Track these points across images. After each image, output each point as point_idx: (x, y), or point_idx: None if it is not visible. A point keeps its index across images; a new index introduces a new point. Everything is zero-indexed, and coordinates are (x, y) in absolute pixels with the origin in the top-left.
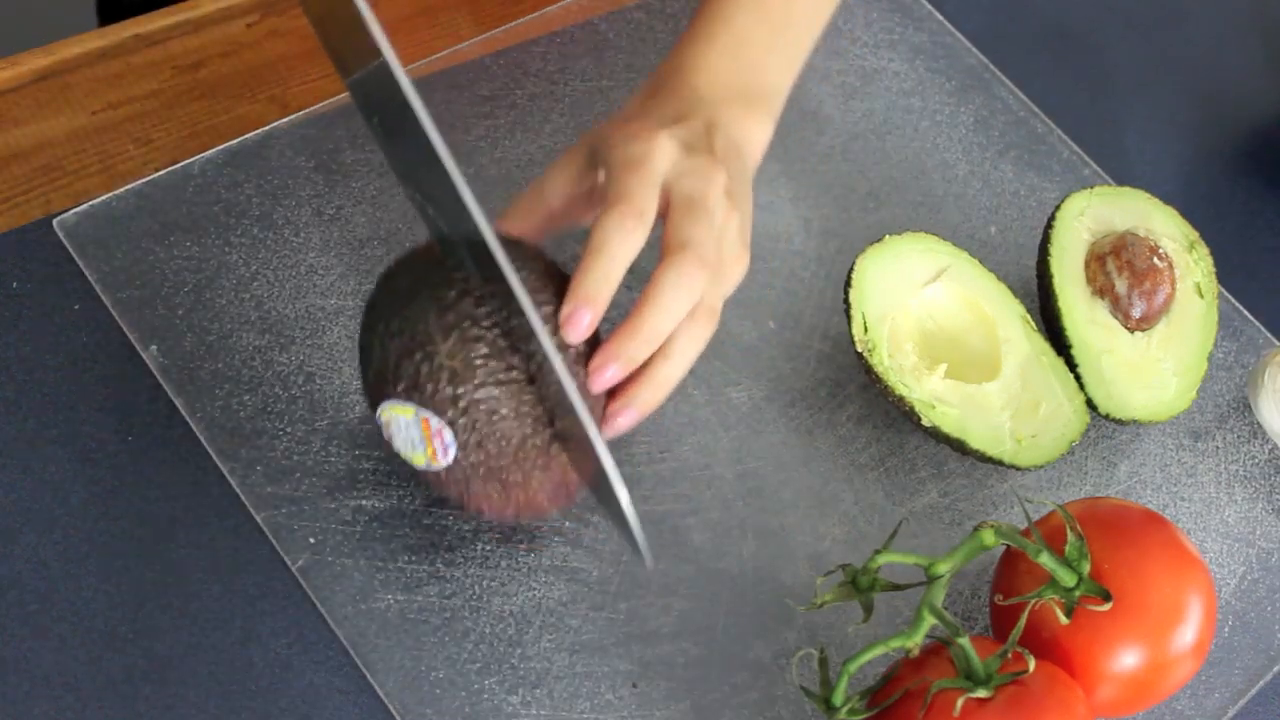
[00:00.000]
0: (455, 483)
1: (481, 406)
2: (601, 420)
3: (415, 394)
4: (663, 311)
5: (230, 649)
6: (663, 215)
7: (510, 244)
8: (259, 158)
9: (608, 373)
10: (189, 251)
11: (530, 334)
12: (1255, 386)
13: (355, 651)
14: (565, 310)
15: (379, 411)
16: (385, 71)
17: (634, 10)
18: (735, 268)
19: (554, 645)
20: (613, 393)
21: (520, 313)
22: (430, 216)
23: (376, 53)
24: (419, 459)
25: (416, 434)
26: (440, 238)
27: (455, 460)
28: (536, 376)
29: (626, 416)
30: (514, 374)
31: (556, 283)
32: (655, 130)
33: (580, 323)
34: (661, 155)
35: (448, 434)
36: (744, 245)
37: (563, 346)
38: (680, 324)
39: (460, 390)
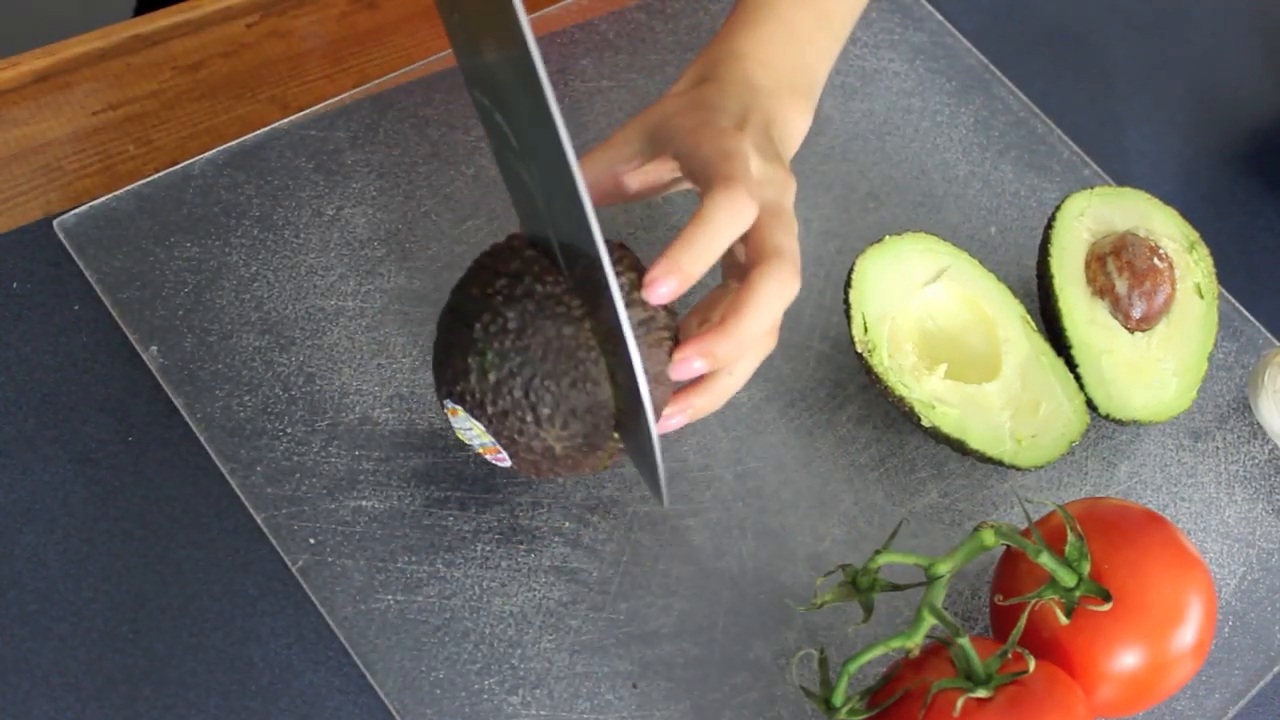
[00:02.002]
0: (518, 466)
1: (535, 444)
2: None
3: (477, 410)
4: (760, 315)
5: (230, 649)
6: None
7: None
8: (259, 158)
9: (694, 364)
10: (189, 252)
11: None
12: (1255, 386)
13: (355, 651)
14: (655, 271)
15: (445, 403)
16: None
17: (634, 10)
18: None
19: (554, 645)
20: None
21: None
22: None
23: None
24: (479, 449)
25: (476, 439)
26: (527, 215)
27: (511, 465)
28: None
29: (677, 420)
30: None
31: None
32: (735, 131)
33: (665, 287)
34: (749, 155)
35: (504, 457)
36: None
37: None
38: (757, 271)
39: (514, 421)
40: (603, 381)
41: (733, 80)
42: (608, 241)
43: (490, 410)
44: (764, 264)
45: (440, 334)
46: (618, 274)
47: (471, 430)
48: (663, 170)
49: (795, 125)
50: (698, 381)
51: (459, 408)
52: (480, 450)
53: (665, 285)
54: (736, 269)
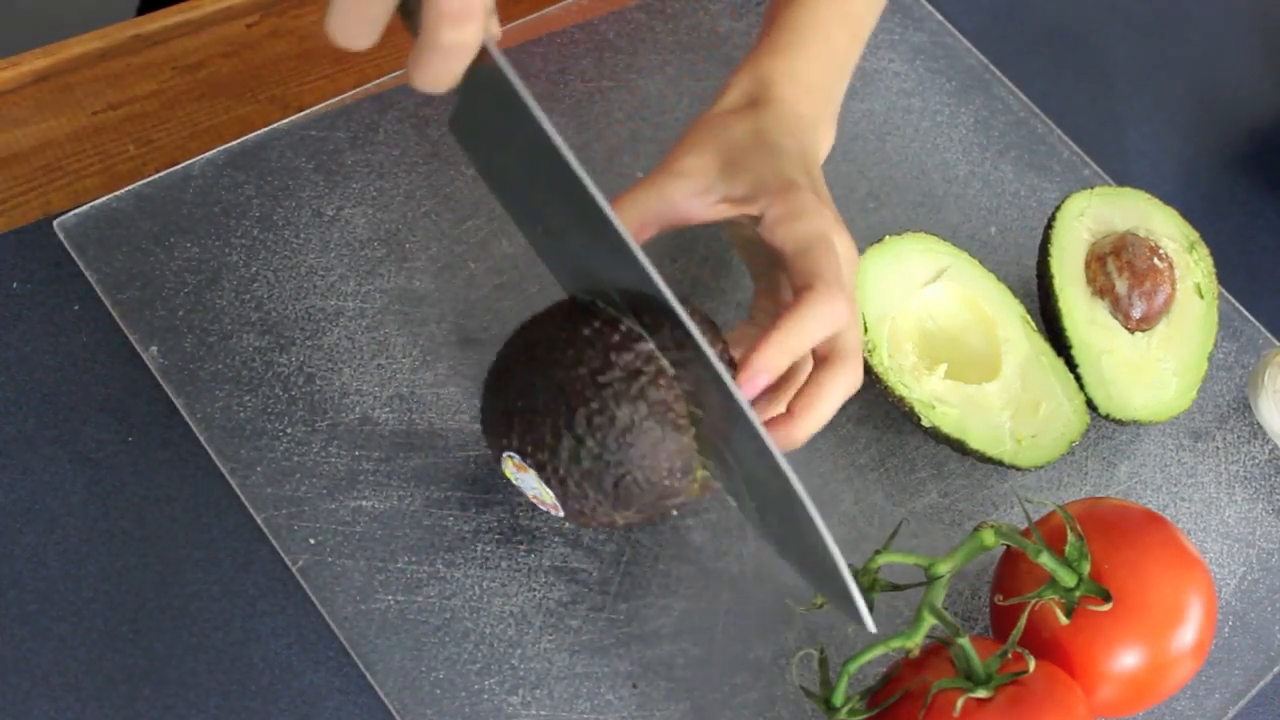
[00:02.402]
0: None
1: (600, 518)
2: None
3: (553, 481)
4: (826, 411)
5: (230, 649)
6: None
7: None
8: (259, 158)
9: (759, 380)
10: (189, 252)
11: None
12: (1255, 386)
13: (355, 651)
14: (751, 370)
15: (512, 455)
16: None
17: (634, 10)
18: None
19: (554, 645)
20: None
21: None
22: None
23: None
24: (530, 496)
25: (531, 489)
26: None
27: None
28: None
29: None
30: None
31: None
32: (826, 210)
33: (756, 388)
34: (839, 240)
35: (559, 511)
36: None
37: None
38: (830, 370)
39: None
40: (690, 488)
41: (785, 109)
42: (691, 311)
43: (570, 488)
44: (836, 364)
45: (518, 380)
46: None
47: (534, 487)
48: (735, 209)
49: (825, 144)
50: (784, 418)
51: (529, 469)
52: (530, 497)
53: (758, 384)
54: (766, 284)
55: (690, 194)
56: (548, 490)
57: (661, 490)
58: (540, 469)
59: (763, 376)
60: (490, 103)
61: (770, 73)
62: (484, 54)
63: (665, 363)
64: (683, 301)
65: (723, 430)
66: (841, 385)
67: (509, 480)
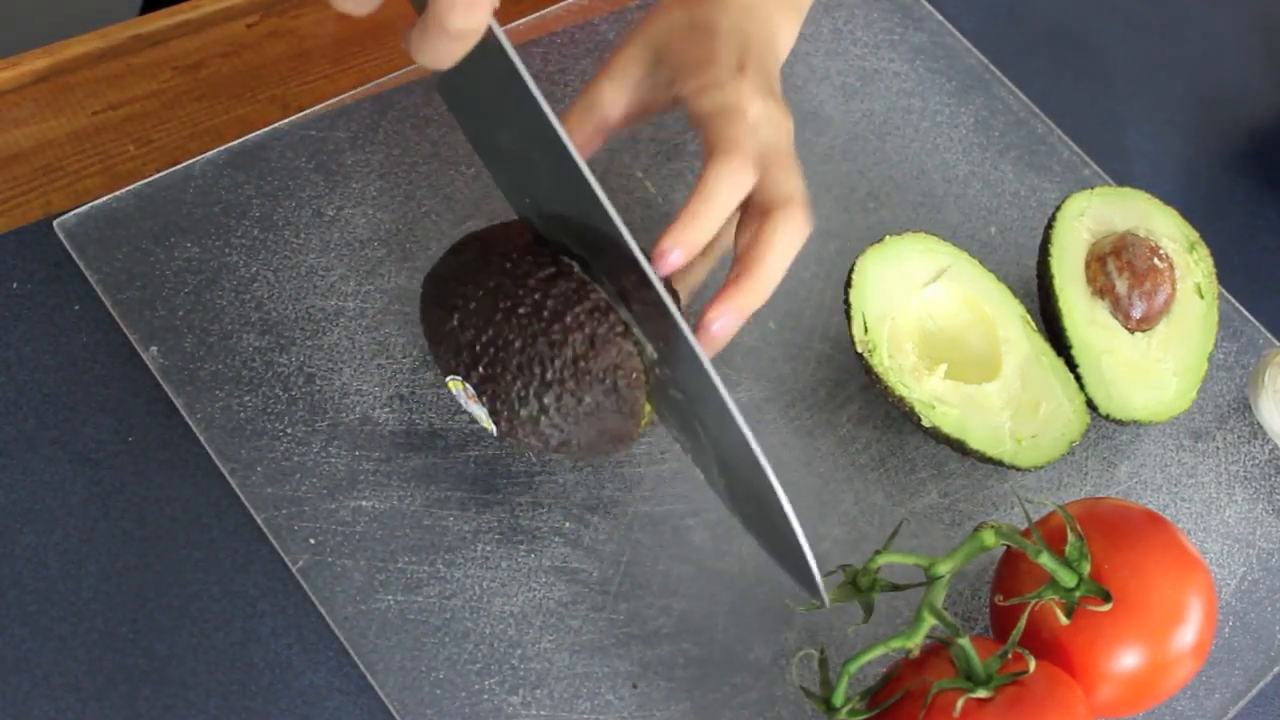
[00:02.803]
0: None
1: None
2: (697, 333)
3: (488, 407)
4: (777, 264)
5: (230, 649)
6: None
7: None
8: (259, 158)
9: (725, 322)
10: (189, 252)
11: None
12: (1255, 386)
13: (355, 651)
14: (663, 244)
15: (463, 384)
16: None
17: (634, 10)
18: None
19: (554, 646)
20: (710, 302)
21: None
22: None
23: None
24: (469, 412)
25: (474, 411)
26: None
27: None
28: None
29: (727, 320)
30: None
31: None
32: (739, 83)
33: (674, 260)
34: (749, 103)
35: (493, 432)
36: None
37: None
38: (780, 221)
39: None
40: (633, 432)
41: None
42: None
43: (519, 435)
44: (774, 213)
45: (479, 314)
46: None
47: (476, 412)
48: (664, 96)
49: (784, 39)
50: (736, 278)
51: (482, 405)
52: (463, 406)
53: (673, 256)
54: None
55: (621, 94)
56: (490, 422)
57: (607, 447)
58: (494, 414)
59: (675, 253)
60: (483, 69)
61: None
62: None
63: (636, 333)
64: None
65: (694, 408)
66: (783, 232)
67: (447, 387)
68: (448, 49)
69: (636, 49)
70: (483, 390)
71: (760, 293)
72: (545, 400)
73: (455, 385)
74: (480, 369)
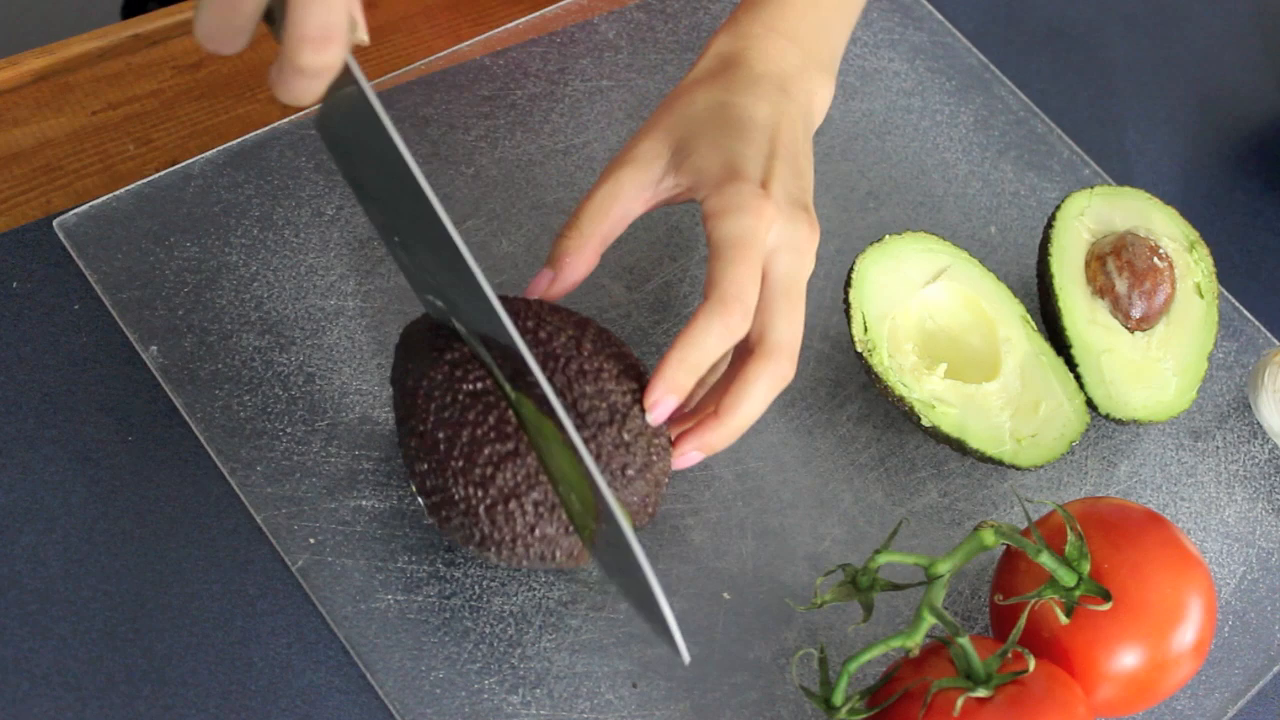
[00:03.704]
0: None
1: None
2: (664, 459)
3: (408, 469)
4: (753, 407)
5: (230, 649)
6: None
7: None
8: (259, 158)
9: (692, 455)
10: (189, 252)
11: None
12: (1255, 386)
13: (355, 651)
14: (654, 395)
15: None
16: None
17: (634, 10)
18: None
19: (554, 645)
20: (683, 425)
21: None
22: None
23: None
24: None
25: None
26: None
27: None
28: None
29: (693, 458)
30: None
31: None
32: (762, 201)
33: (664, 411)
34: (767, 230)
35: (427, 516)
36: (813, 226)
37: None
38: (760, 369)
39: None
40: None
41: (760, 70)
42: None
43: (450, 534)
44: (761, 359)
45: (418, 427)
46: (621, 391)
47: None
48: (685, 195)
49: (823, 100)
50: (710, 418)
51: (423, 504)
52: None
53: (665, 406)
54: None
55: (640, 186)
56: (427, 518)
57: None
58: (431, 516)
59: (668, 399)
60: (352, 118)
61: (747, 28)
62: (346, 71)
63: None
64: (580, 325)
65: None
66: (765, 379)
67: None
68: (303, 86)
69: (659, 139)
70: (429, 506)
71: (731, 436)
72: (479, 532)
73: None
74: (423, 483)
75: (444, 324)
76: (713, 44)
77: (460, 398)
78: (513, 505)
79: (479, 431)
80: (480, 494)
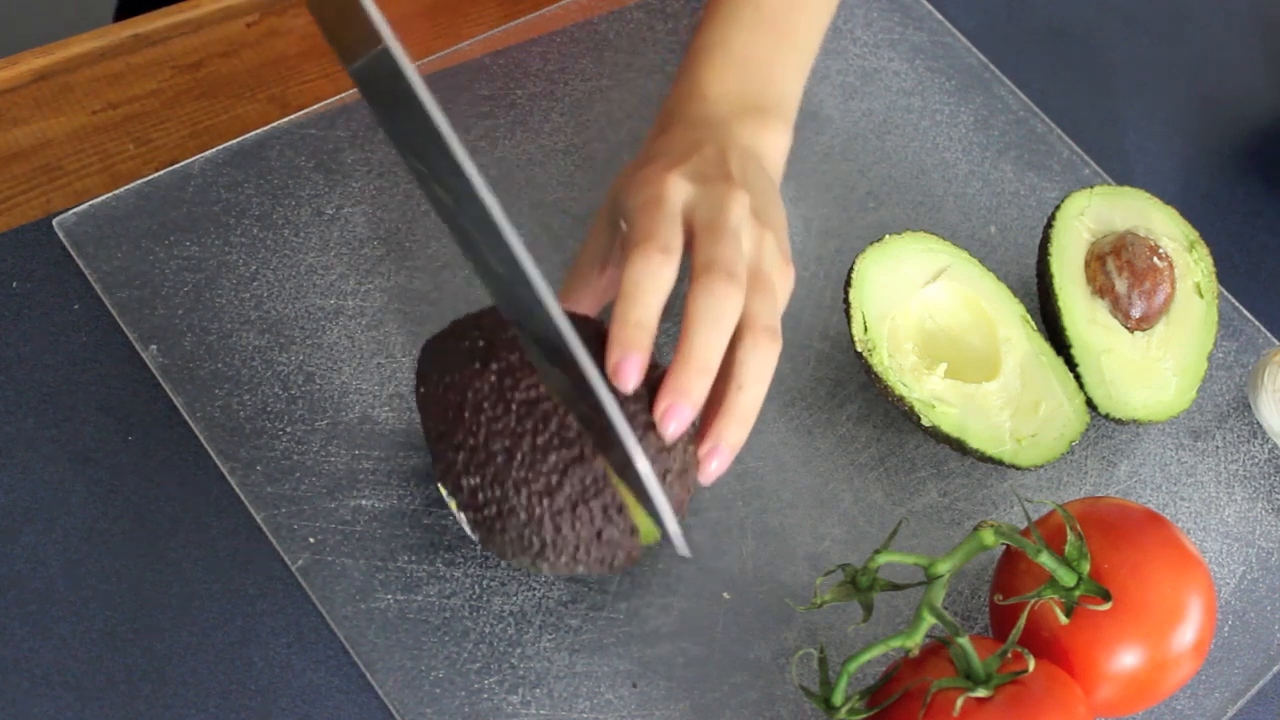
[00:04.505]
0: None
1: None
2: (696, 469)
3: (474, 529)
4: (703, 332)
5: (230, 649)
6: (689, 247)
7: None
8: (259, 158)
9: (681, 412)
10: (189, 251)
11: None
12: (1255, 386)
13: (355, 651)
14: (612, 360)
15: (452, 496)
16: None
17: (634, 10)
18: (783, 283)
19: (554, 645)
20: (698, 440)
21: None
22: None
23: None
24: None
25: (459, 519)
26: (504, 303)
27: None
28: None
29: (719, 459)
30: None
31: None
32: (664, 171)
33: (629, 370)
34: (675, 191)
35: (470, 531)
36: (785, 258)
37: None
38: (744, 349)
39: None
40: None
41: (684, 122)
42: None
43: (496, 548)
44: (693, 281)
45: (463, 430)
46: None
47: (460, 520)
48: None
49: (768, 143)
50: (714, 411)
51: (466, 524)
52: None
53: (631, 366)
54: None
55: (597, 255)
56: (471, 533)
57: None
58: (477, 531)
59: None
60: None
61: (673, 101)
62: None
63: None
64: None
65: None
66: (701, 298)
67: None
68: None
69: (601, 213)
70: (472, 520)
71: (747, 425)
72: (533, 545)
73: (446, 493)
74: (472, 500)
75: (513, 321)
76: (651, 129)
77: (514, 407)
78: (580, 510)
79: (539, 440)
80: (547, 502)
